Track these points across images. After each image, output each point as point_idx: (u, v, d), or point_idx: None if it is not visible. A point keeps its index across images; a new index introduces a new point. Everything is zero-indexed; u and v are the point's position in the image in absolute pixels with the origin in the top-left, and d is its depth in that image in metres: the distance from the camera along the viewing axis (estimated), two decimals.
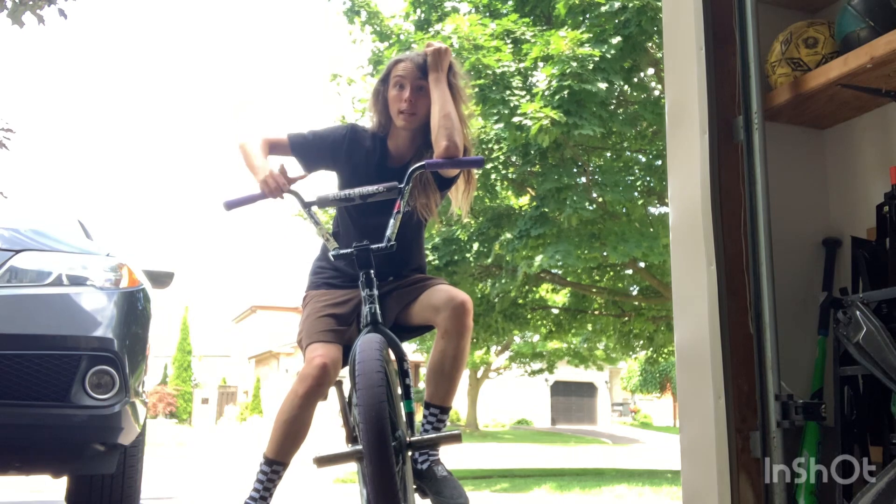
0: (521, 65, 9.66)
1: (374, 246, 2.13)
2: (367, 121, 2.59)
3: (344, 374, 2.22)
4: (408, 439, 1.99)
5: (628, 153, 11.24)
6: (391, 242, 2.15)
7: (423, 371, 2.53)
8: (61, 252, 3.02)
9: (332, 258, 2.21)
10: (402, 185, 2.20)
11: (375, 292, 2.12)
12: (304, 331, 2.33)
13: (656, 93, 10.16)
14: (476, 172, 2.60)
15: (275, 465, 2.23)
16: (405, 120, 2.39)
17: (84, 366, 2.78)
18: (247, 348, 39.56)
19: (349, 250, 2.14)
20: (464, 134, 2.35)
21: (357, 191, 2.20)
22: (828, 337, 2.35)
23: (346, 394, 2.26)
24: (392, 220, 2.18)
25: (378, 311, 2.10)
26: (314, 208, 2.26)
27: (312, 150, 2.43)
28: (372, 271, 2.12)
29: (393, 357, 2.10)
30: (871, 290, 2.22)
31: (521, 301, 12.77)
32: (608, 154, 11.17)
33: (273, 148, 2.44)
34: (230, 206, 2.31)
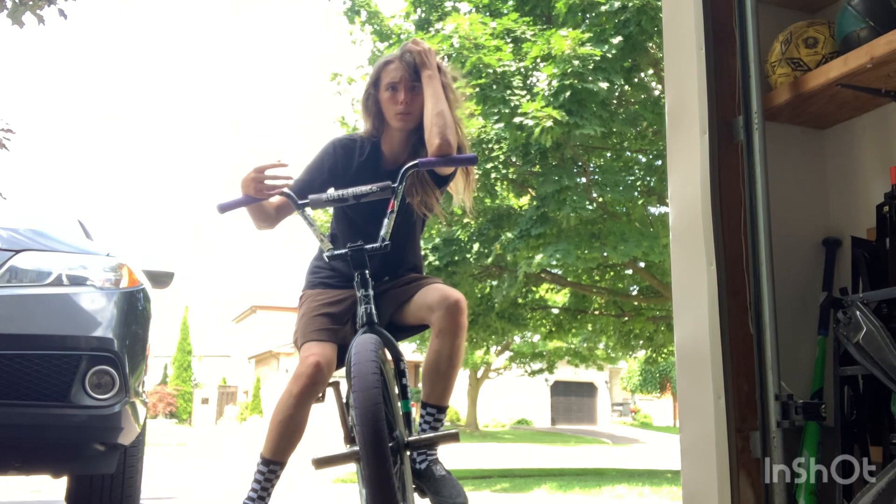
0: (522, 64, 9.65)
1: (368, 246, 2.13)
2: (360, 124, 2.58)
3: (341, 375, 2.22)
4: (405, 439, 1.99)
5: (628, 153, 11.23)
6: (385, 242, 2.15)
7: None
8: (61, 252, 3.01)
9: (326, 259, 2.22)
10: (395, 185, 2.20)
11: (371, 292, 2.12)
12: (300, 330, 2.34)
13: (656, 93, 10.16)
14: (476, 171, 2.59)
15: (272, 465, 2.23)
16: (401, 121, 2.39)
17: (84, 366, 2.78)
18: (247, 348, 39.53)
19: (343, 251, 2.14)
20: (457, 132, 2.35)
21: (350, 191, 2.19)
22: (828, 337, 2.35)
23: (344, 395, 2.26)
24: (386, 220, 2.17)
25: (373, 311, 2.10)
26: (308, 210, 2.26)
27: (315, 185, 2.39)
28: (367, 271, 2.12)
29: (389, 357, 2.10)
30: (871, 290, 2.21)
31: (521, 301, 12.77)
32: (608, 154, 11.17)
33: (279, 210, 2.42)
34: (223, 209, 2.32)
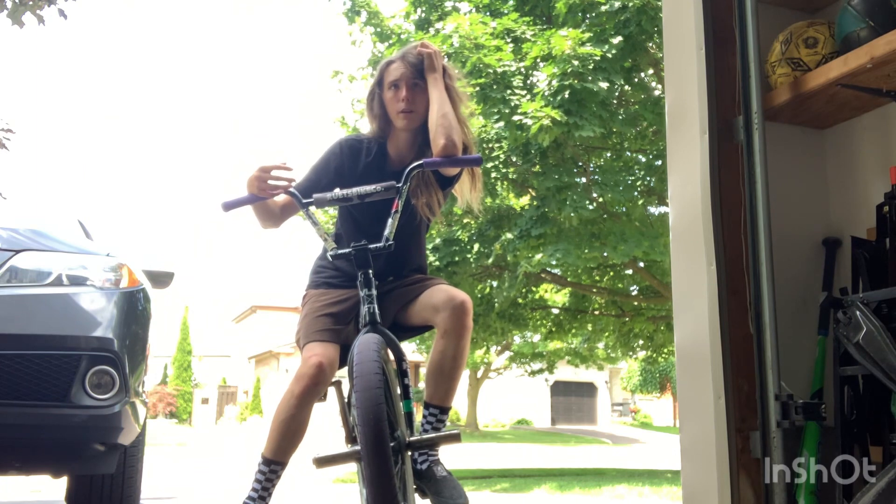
0: (522, 64, 9.65)
1: (372, 246, 2.13)
2: (365, 125, 2.58)
3: (342, 374, 2.22)
4: (407, 439, 1.99)
5: (628, 153, 11.24)
6: (389, 242, 2.15)
7: (423, 371, 2.55)
8: (61, 252, 3.01)
9: (330, 258, 2.22)
10: (399, 185, 2.20)
11: (374, 292, 2.12)
12: (302, 330, 2.34)
13: (656, 93, 10.16)
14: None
15: (273, 465, 2.23)
16: (405, 119, 2.39)
17: (84, 366, 2.78)
18: (247, 348, 39.52)
19: (347, 250, 2.14)
20: (463, 133, 2.35)
21: (355, 190, 2.19)
22: (828, 337, 2.35)
23: (346, 394, 2.26)
24: (390, 220, 2.18)
25: (376, 310, 2.10)
26: (312, 209, 2.27)
27: (321, 185, 2.38)
28: (370, 271, 2.12)
29: (392, 357, 2.10)
30: (871, 290, 2.21)
31: (521, 301, 12.77)
32: (608, 154, 11.17)
33: (284, 209, 2.43)
34: (228, 206, 2.33)
